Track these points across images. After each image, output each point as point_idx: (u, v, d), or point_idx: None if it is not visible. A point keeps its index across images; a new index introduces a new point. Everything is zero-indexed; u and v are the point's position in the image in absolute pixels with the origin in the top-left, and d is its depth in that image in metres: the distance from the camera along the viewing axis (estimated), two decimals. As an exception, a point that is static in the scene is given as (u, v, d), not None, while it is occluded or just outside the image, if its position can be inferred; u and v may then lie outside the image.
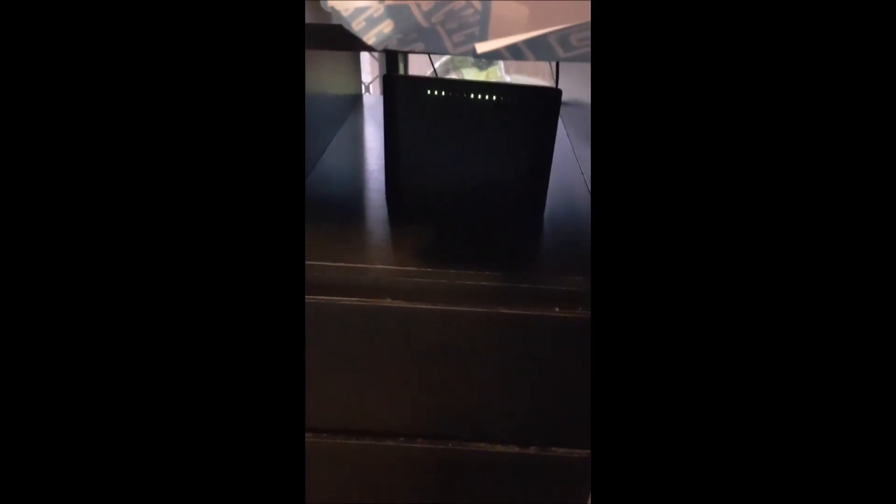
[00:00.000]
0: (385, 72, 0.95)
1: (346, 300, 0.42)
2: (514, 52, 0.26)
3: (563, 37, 0.26)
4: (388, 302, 0.41)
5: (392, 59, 0.92)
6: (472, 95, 0.44)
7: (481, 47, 0.27)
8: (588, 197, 0.55)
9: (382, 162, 0.50)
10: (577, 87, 0.70)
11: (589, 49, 0.26)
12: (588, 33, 0.26)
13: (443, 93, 0.44)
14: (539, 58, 0.26)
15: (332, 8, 0.28)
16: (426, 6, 0.27)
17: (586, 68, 0.56)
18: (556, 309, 0.41)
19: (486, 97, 0.44)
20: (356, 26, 0.28)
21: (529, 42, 0.26)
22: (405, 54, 0.94)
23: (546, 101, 0.44)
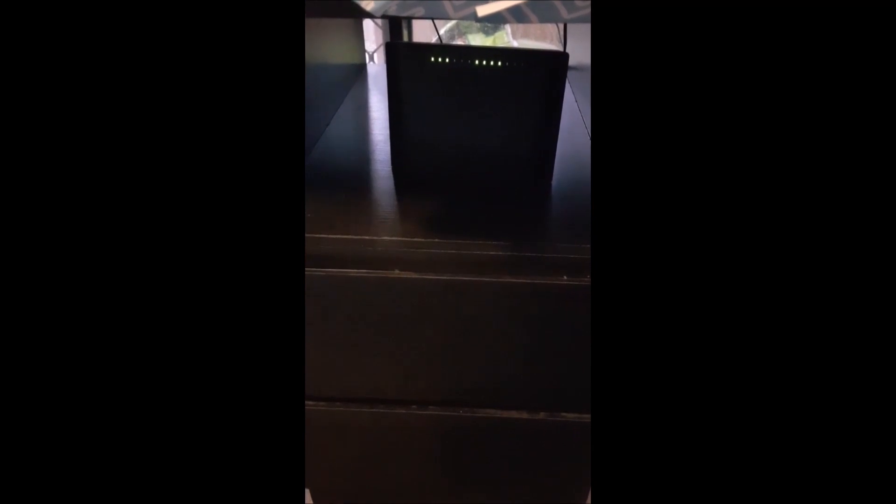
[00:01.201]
0: (388, 40, 0.94)
1: (355, 272, 0.42)
2: (516, 14, 0.26)
3: (566, -4, 0.25)
4: (396, 273, 0.42)
5: (396, 27, 0.90)
6: (476, 61, 0.43)
7: (482, 10, 0.26)
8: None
9: (388, 132, 0.50)
10: (585, 50, 0.68)
11: (594, 9, 0.26)
12: (593, -8, 0.25)
13: (447, 59, 0.43)
14: (542, 19, 0.26)
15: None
16: (426, -32, 0.26)
17: (594, 30, 0.55)
18: (564, 277, 0.41)
19: (492, 63, 0.43)
20: (355, -8, 0.27)
21: (532, 3, 0.25)
22: (409, 21, 0.92)
23: (552, 66, 0.43)
